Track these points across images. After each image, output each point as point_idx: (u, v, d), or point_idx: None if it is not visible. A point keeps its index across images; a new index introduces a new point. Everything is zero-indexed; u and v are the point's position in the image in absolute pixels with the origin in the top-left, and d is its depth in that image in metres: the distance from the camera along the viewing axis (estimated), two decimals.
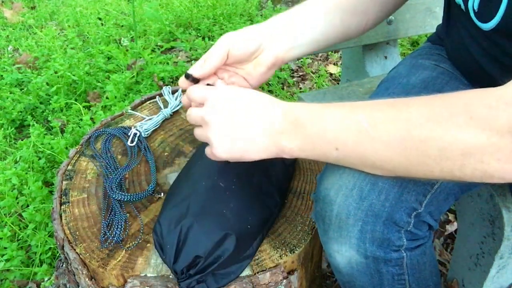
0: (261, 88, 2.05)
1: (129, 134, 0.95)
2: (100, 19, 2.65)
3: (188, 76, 0.71)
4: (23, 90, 1.91)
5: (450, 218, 1.36)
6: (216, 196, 0.75)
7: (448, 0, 0.78)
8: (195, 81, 0.72)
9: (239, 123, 0.61)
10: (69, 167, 0.90)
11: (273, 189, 0.79)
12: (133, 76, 1.92)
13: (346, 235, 0.62)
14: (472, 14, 0.65)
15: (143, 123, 0.98)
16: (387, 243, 0.61)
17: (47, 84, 1.87)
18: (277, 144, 0.60)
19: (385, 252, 0.62)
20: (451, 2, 0.74)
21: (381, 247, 0.62)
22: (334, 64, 2.28)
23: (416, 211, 0.62)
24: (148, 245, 0.74)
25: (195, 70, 0.71)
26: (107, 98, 1.78)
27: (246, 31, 0.73)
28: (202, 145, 0.89)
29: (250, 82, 0.76)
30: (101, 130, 0.98)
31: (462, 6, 0.68)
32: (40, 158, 1.50)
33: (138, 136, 0.95)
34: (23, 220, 1.32)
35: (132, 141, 0.94)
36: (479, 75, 0.74)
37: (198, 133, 0.66)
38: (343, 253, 0.64)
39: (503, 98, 0.46)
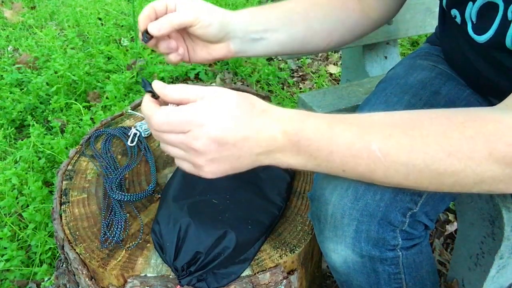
0: (261, 88, 2.04)
1: (129, 134, 0.95)
2: (100, 19, 2.65)
3: (147, 36, 0.68)
4: (23, 90, 1.91)
5: (450, 218, 1.36)
6: (214, 199, 0.76)
7: (443, 9, 0.78)
8: (149, 36, 0.68)
9: (233, 154, 0.54)
10: (69, 167, 0.90)
11: (272, 193, 0.79)
12: (133, 76, 1.92)
13: (341, 234, 0.62)
14: (469, 25, 0.66)
15: (143, 123, 0.98)
16: (382, 242, 0.62)
17: (47, 84, 1.87)
18: (272, 159, 0.55)
19: (380, 251, 0.62)
20: (446, 11, 0.74)
21: (376, 247, 0.62)
22: (334, 64, 2.28)
23: (411, 210, 0.62)
24: (148, 245, 0.74)
25: (156, 28, 0.66)
26: (107, 98, 1.78)
27: (216, 13, 0.69)
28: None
29: (192, 58, 0.74)
30: (101, 130, 0.98)
31: (458, 18, 0.69)
32: (40, 158, 1.50)
33: (138, 136, 0.95)
34: (23, 220, 1.32)
35: (132, 141, 0.94)
36: (476, 77, 0.74)
37: (180, 163, 0.57)
38: (339, 252, 0.64)
39: None
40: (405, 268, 0.66)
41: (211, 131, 0.52)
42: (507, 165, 0.48)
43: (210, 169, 0.56)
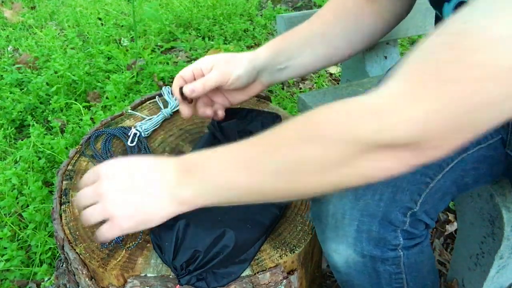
0: None
1: (129, 134, 0.95)
2: (100, 19, 2.65)
3: (183, 96, 0.77)
4: (23, 90, 1.91)
5: (450, 218, 1.36)
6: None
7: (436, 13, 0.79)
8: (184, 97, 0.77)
9: (136, 185, 0.59)
10: (69, 167, 0.90)
11: None
12: (133, 76, 1.92)
13: (342, 234, 0.62)
14: None
15: (143, 123, 0.98)
16: (383, 242, 0.62)
17: (47, 84, 1.87)
18: (176, 196, 0.58)
19: (382, 251, 0.62)
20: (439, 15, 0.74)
21: (377, 247, 0.62)
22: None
23: (412, 210, 0.62)
24: (148, 245, 0.74)
25: (190, 90, 0.75)
26: (107, 98, 1.78)
27: (242, 63, 0.75)
28: (198, 143, 0.89)
29: (231, 100, 0.83)
30: (101, 130, 0.98)
31: (440, 18, 0.69)
32: (40, 158, 1.50)
33: (138, 136, 0.95)
34: (23, 220, 1.32)
35: (132, 141, 0.94)
36: None
37: (91, 211, 0.60)
38: (341, 252, 0.65)
39: (364, 106, 0.45)
40: (406, 268, 0.67)
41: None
42: (352, 140, 0.45)
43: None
